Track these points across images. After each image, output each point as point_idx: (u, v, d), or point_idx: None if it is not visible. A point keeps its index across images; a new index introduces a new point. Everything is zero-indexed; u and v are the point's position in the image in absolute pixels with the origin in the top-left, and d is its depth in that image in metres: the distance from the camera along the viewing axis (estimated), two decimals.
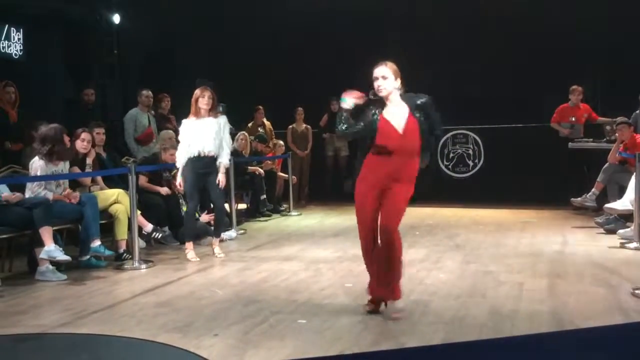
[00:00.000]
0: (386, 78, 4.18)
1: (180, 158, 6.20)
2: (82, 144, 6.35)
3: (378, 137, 4.16)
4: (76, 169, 6.31)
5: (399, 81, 4.22)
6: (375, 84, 4.22)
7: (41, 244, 5.33)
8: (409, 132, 4.14)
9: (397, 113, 4.18)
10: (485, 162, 10.14)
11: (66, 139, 5.89)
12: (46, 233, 5.34)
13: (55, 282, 5.33)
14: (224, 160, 6.28)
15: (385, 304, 4.31)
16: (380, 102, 4.23)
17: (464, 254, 6.25)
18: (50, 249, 5.29)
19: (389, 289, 4.23)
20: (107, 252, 5.90)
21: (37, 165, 5.72)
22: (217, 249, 6.40)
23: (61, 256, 5.32)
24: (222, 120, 6.27)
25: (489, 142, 10.14)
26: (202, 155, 6.15)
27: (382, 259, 4.21)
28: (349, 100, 4.22)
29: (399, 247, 4.20)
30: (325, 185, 10.80)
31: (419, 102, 4.22)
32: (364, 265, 5.67)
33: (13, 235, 5.52)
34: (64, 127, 5.90)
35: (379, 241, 4.24)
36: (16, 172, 6.29)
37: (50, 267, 5.40)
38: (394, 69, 4.21)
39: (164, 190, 7.06)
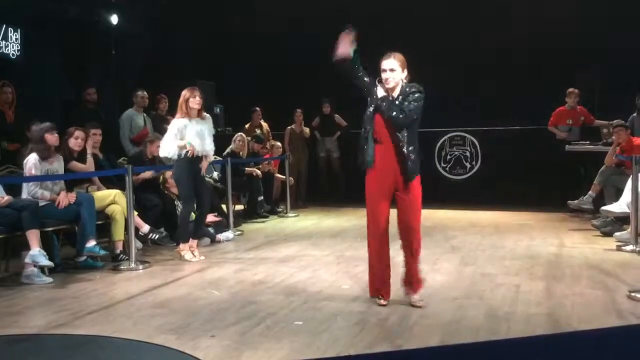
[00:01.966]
0: (394, 70, 4.29)
1: (172, 150, 6.08)
2: (75, 142, 6.35)
3: (376, 125, 4.32)
4: (76, 164, 6.29)
5: (405, 72, 4.33)
6: (384, 76, 4.32)
7: (28, 247, 5.32)
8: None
9: None
10: (482, 164, 10.14)
11: (53, 137, 5.86)
12: (33, 237, 5.33)
13: (43, 284, 5.30)
14: (211, 153, 6.45)
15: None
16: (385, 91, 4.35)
17: (461, 255, 6.25)
18: (35, 254, 5.28)
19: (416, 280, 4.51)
20: (102, 252, 5.89)
21: (31, 163, 5.72)
22: (196, 252, 6.35)
23: (44, 261, 5.31)
24: (210, 119, 6.37)
25: (486, 144, 10.15)
26: (198, 156, 6.17)
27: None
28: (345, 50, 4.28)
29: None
30: (321, 186, 10.78)
31: (407, 89, 4.31)
32: (361, 267, 5.69)
33: (2, 236, 5.49)
34: (51, 126, 5.88)
35: (401, 240, 4.48)
36: (13, 172, 6.28)
37: (36, 270, 5.37)
38: (401, 61, 4.32)
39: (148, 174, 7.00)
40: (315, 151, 10.72)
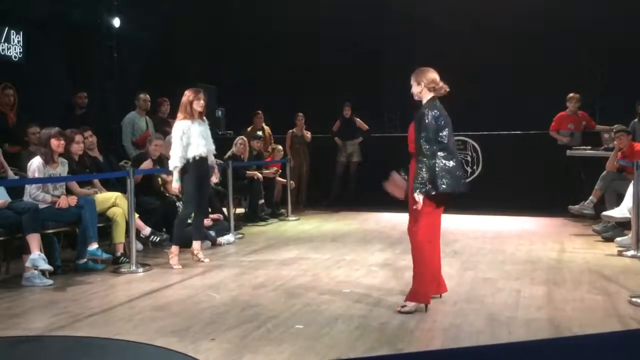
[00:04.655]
0: (411, 86, 4.50)
1: (177, 160, 6.04)
2: (77, 146, 6.36)
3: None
4: (75, 186, 6.30)
5: (421, 86, 4.44)
6: None
7: (29, 250, 5.33)
8: (411, 135, 4.45)
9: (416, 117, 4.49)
10: (483, 169, 10.14)
11: (59, 142, 5.85)
12: (33, 240, 5.34)
13: (43, 286, 5.30)
14: (214, 160, 6.46)
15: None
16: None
17: (462, 260, 6.25)
18: (35, 258, 5.29)
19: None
20: (105, 255, 5.89)
21: (35, 166, 5.75)
22: (201, 254, 6.33)
23: (44, 265, 5.31)
24: (207, 121, 6.37)
25: (487, 149, 10.14)
26: (204, 157, 6.16)
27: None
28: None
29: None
30: (331, 190, 10.70)
31: (420, 110, 4.44)
32: (362, 271, 5.69)
33: (3, 238, 5.50)
34: (59, 131, 5.87)
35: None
36: (15, 174, 6.25)
37: (36, 272, 5.38)
38: (415, 76, 4.48)
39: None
40: (334, 156, 10.54)
